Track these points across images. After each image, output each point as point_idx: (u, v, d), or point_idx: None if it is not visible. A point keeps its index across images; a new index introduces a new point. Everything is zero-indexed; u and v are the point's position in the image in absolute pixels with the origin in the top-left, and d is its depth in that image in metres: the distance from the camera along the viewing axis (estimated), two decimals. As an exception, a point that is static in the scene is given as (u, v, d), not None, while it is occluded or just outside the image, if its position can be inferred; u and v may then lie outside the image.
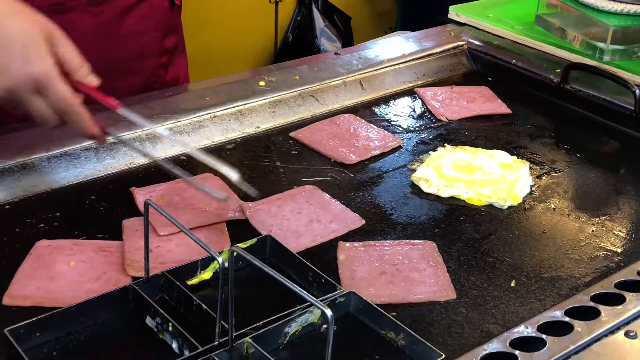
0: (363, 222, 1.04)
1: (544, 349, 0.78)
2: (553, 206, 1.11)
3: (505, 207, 1.10)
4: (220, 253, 0.77)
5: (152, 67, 1.35)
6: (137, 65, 1.32)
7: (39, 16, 0.92)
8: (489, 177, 1.14)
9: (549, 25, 1.58)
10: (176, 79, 1.42)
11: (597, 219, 1.08)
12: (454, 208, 1.09)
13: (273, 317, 0.82)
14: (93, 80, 0.94)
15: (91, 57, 1.04)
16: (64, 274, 0.90)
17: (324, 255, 0.97)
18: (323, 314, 0.66)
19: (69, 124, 0.93)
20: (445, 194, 1.12)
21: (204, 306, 0.82)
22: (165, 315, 0.81)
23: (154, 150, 1.18)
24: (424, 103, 1.41)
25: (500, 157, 1.20)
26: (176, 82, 1.41)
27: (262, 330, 0.80)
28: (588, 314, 0.84)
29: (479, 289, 0.93)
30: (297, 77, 1.39)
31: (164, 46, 1.36)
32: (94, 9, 1.23)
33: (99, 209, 1.05)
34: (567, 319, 0.83)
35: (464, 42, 1.61)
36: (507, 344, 0.79)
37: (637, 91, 1.31)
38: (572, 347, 0.79)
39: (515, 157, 1.21)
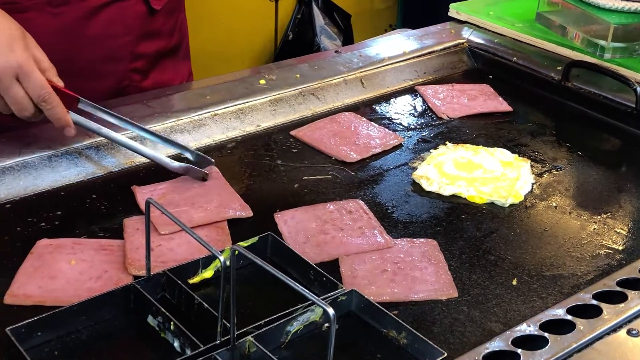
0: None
1: (546, 347, 0.78)
2: (554, 204, 1.11)
3: (507, 205, 1.10)
4: (221, 252, 0.77)
5: (122, 71, 1.31)
6: (105, 69, 1.29)
7: (11, 17, 1.03)
8: (490, 175, 1.14)
9: (550, 22, 1.58)
10: (166, 84, 1.37)
11: (599, 217, 1.08)
12: (455, 206, 1.09)
13: (275, 316, 0.81)
14: (60, 82, 1.05)
15: (53, 58, 1.05)
16: (65, 273, 0.90)
17: (325, 254, 0.97)
18: (325, 312, 0.66)
19: (45, 111, 1.04)
20: (446, 192, 1.12)
21: (206, 305, 0.82)
22: (167, 314, 0.81)
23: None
24: (424, 101, 1.41)
25: (501, 155, 1.20)
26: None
27: (263, 329, 0.80)
28: (590, 312, 0.84)
29: (480, 287, 0.92)
30: (298, 76, 1.38)
31: (139, 51, 1.31)
32: (53, 9, 1.20)
33: (100, 208, 1.05)
34: (569, 317, 0.83)
35: (464, 40, 1.61)
36: (510, 343, 0.79)
37: (638, 89, 1.31)
38: (575, 345, 0.79)
39: (517, 155, 1.21)
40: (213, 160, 1.12)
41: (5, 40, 1.00)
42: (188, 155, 1.13)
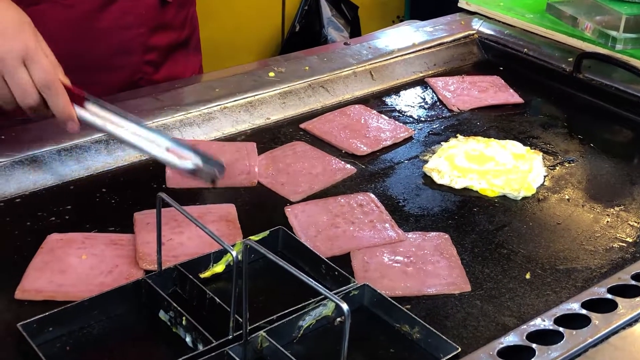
0: None
1: (562, 342, 0.77)
2: (567, 197, 1.10)
3: (519, 198, 1.09)
4: (233, 246, 0.77)
5: (135, 63, 1.31)
6: (119, 61, 1.28)
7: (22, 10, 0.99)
8: (502, 168, 1.13)
9: (561, 13, 1.57)
10: (178, 77, 1.37)
11: (612, 210, 1.07)
12: (467, 199, 1.09)
13: (287, 311, 0.81)
14: (66, 80, 0.99)
15: (65, 51, 1.04)
16: (76, 267, 0.90)
17: (336, 248, 0.96)
18: (339, 307, 0.65)
19: (48, 100, 0.97)
20: (458, 185, 1.11)
21: (218, 300, 0.82)
22: (179, 308, 0.81)
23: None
24: (435, 93, 1.40)
25: (513, 147, 1.19)
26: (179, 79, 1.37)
27: (276, 324, 0.79)
28: (605, 306, 0.83)
29: (493, 281, 0.92)
30: (307, 68, 1.38)
31: (151, 43, 1.31)
32: (66, 1, 1.20)
33: (110, 202, 1.04)
34: (584, 311, 0.82)
35: (474, 31, 1.60)
36: (524, 337, 0.78)
37: (651, 80, 1.30)
38: (590, 340, 0.78)
39: (528, 148, 1.20)
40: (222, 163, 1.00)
41: (15, 23, 0.97)
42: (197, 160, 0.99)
